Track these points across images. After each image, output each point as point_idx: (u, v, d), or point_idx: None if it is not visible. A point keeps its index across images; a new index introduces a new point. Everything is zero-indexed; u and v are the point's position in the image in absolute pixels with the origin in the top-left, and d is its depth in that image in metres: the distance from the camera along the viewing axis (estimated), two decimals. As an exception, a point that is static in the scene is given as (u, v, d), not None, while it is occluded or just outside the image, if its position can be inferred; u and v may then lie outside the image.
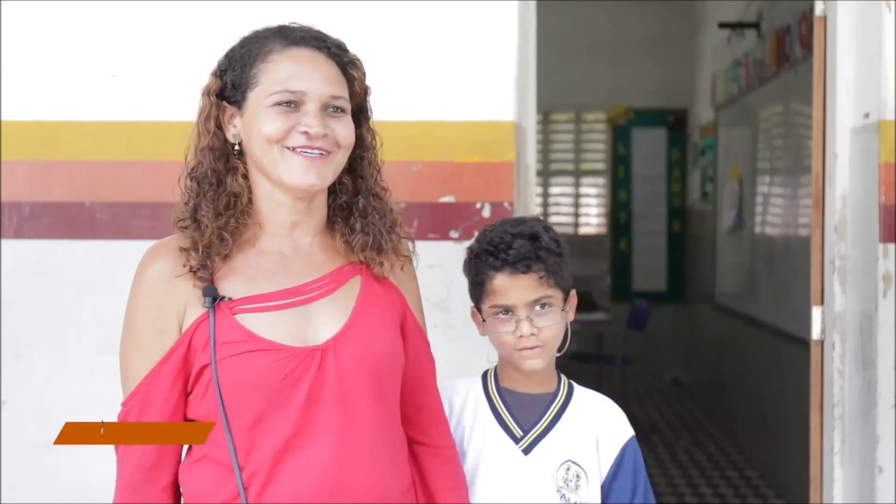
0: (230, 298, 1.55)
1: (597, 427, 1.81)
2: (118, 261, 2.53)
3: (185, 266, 1.55)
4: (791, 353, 4.55)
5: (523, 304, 1.74)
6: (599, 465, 1.79)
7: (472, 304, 1.83)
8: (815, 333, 2.96)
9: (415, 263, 1.75)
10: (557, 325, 1.76)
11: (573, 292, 1.81)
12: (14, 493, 2.65)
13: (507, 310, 1.75)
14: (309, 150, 1.55)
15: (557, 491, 1.76)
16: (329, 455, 1.52)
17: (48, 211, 2.67)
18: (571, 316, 1.81)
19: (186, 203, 1.61)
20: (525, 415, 1.80)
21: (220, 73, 1.62)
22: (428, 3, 2.64)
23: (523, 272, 1.72)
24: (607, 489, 1.79)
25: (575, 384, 1.88)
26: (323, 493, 1.52)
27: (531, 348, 1.75)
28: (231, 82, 1.59)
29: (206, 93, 1.61)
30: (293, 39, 1.59)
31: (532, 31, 2.83)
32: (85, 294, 2.65)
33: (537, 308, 1.74)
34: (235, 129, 1.60)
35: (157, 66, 2.65)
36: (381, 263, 1.65)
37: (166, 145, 2.55)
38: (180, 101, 2.55)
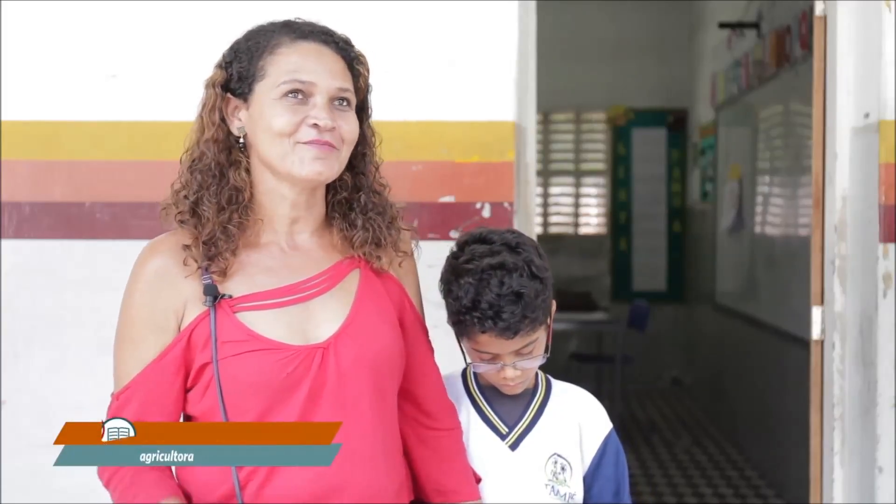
0: (230, 296, 1.54)
1: (579, 418, 1.82)
2: (118, 261, 2.51)
3: (185, 264, 1.54)
4: (791, 353, 4.55)
5: (508, 354, 1.72)
6: (582, 456, 1.81)
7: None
8: (815, 333, 2.96)
9: (417, 256, 1.74)
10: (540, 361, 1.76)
11: (553, 304, 1.78)
12: (14, 493, 2.65)
13: (492, 357, 1.73)
14: (319, 142, 1.54)
15: (546, 485, 1.77)
16: (328, 454, 1.52)
17: (48, 211, 2.67)
18: (551, 324, 1.79)
19: (186, 197, 1.58)
20: (508, 411, 1.80)
21: (226, 64, 1.59)
22: (428, 3, 2.64)
23: (510, 338, 1.68)
24: (590, 480, 1.80)
25: (550, 377, 1.88)
26: (320, 491, 1.52)
27: (513, 384, 1.76)
28: (237, 74, 1.58)
29: (211, 84, 1.59)
30: (301, 33, 1.59)
31: (532, 31, 2.83)
32: (85, 294, 2.64)
33: (522, 353, 1.73)
34: (240, 122, 1.59)
35: (157, 66, 2.65)
36: (380, 258, 1.65)
37: (166, 145, 2.54)
38: (180, 101, 2.55)
